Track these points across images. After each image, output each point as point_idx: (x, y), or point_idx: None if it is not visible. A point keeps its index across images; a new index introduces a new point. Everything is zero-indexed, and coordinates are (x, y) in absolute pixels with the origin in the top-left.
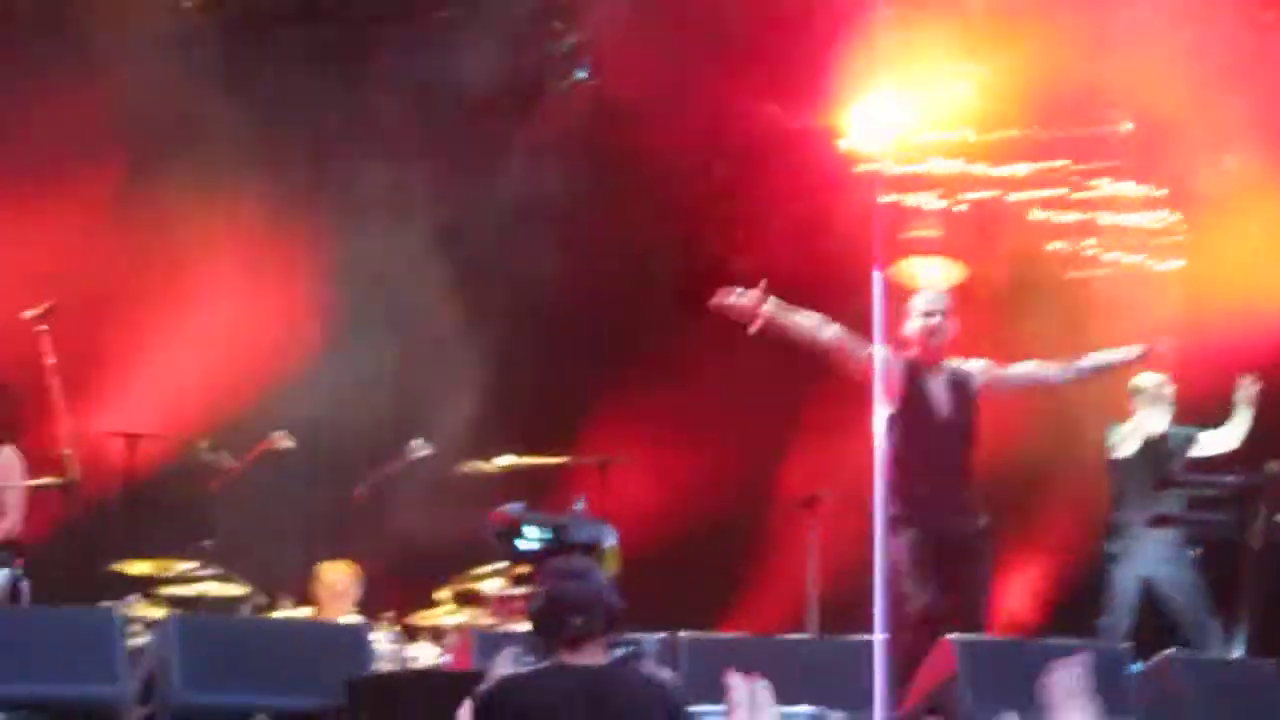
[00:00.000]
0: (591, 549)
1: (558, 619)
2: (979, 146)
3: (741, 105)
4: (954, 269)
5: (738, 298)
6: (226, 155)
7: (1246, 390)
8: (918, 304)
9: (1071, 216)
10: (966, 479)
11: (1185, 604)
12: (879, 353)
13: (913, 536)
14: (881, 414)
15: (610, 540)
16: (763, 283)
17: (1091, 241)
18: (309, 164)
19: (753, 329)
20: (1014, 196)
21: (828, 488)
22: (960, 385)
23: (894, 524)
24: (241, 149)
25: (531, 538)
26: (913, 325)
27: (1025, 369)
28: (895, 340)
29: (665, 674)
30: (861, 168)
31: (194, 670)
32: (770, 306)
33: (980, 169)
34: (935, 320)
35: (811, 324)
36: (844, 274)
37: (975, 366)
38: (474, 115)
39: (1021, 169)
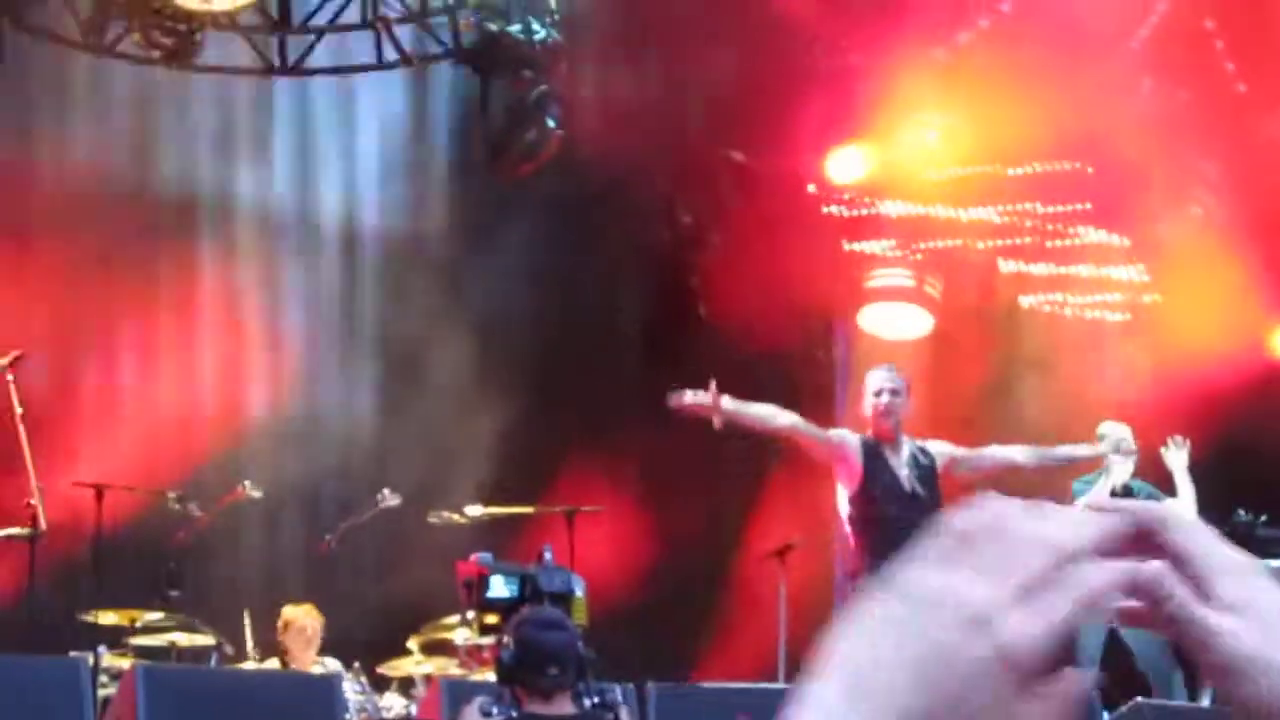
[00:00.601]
0: (561, 598)
1: (534, 669)
2: (945, 193)
3: (707, 151)
4: (922, 316)
5: (694, 398)
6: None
7: (1176, 454)
8: (869, 382)
9: (1040, 267)
10: None
11: (1150, 652)
12: (835, 436)
13: None
14: (842, 496)
15: (579, 590)
16: (712, 383)
17: (1058, 296)
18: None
19: (716, 425)
20: (980, 244)
21: (800, 537)
22: (921, 462)
23: (860, 586)
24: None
25: (500, 587)
26: (866, 404)
27: (990, 452)
28: (856, 419)
29: None
30: (829, 211)
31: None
32: (727, 404)
33: (946, 215)
34: (884, 400)
35: (767, 414)
36: (811, 321)
37: (936, 447)
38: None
39: (987, 215)
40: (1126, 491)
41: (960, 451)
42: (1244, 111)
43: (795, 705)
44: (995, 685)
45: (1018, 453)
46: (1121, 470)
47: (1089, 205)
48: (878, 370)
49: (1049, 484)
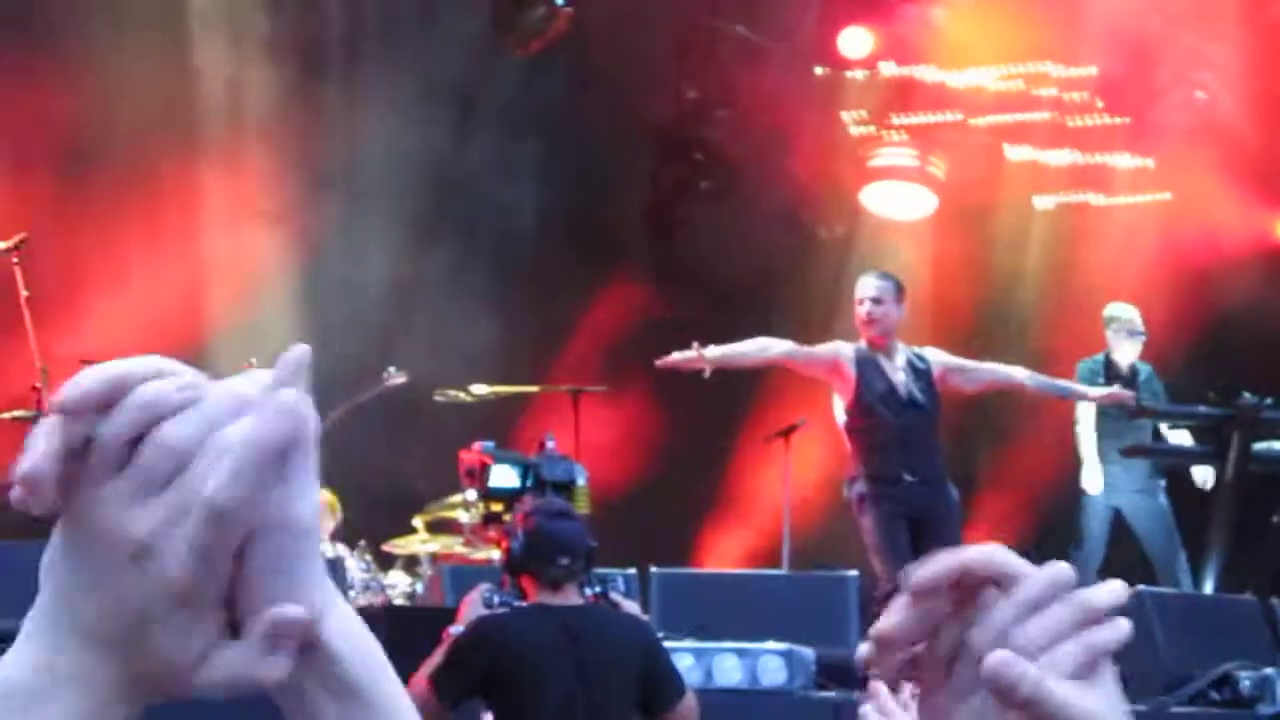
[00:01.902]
0: (563, 488)
1: (545, 559)
2: (951, 76)
3: (713, 27)
4: (926, 196)
5: (679, 356)
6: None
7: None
8: (856, 291)
9: (1046, 155)
10: (932, 454)
11: (1155, 535)
12: (828, 351)
13: (881, 513)
14: (839, 406)
15: (581, 479)
16: (694, 344)
17: (1062, 180)
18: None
19: (706, 374)
20: (980, 120)
21: (805, 416)
22: (917, 367)
23: (862, 502)
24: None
25: (503, 476)
26: (857, 313)
27: (989, 367)
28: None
29: (633, 609)
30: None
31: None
32: (712, 353)
33: (952, 86)
34: (864, 309)
35: (756, 349)
36: (816, 197)
37: (934, 354)
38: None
39: (993, 92)
40: (1132, 373)
41: (957, 361)
42: None
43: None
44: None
45: (1019, 373)
46: (1129, 350)
47: (1092, 94)
48: (863, 278)
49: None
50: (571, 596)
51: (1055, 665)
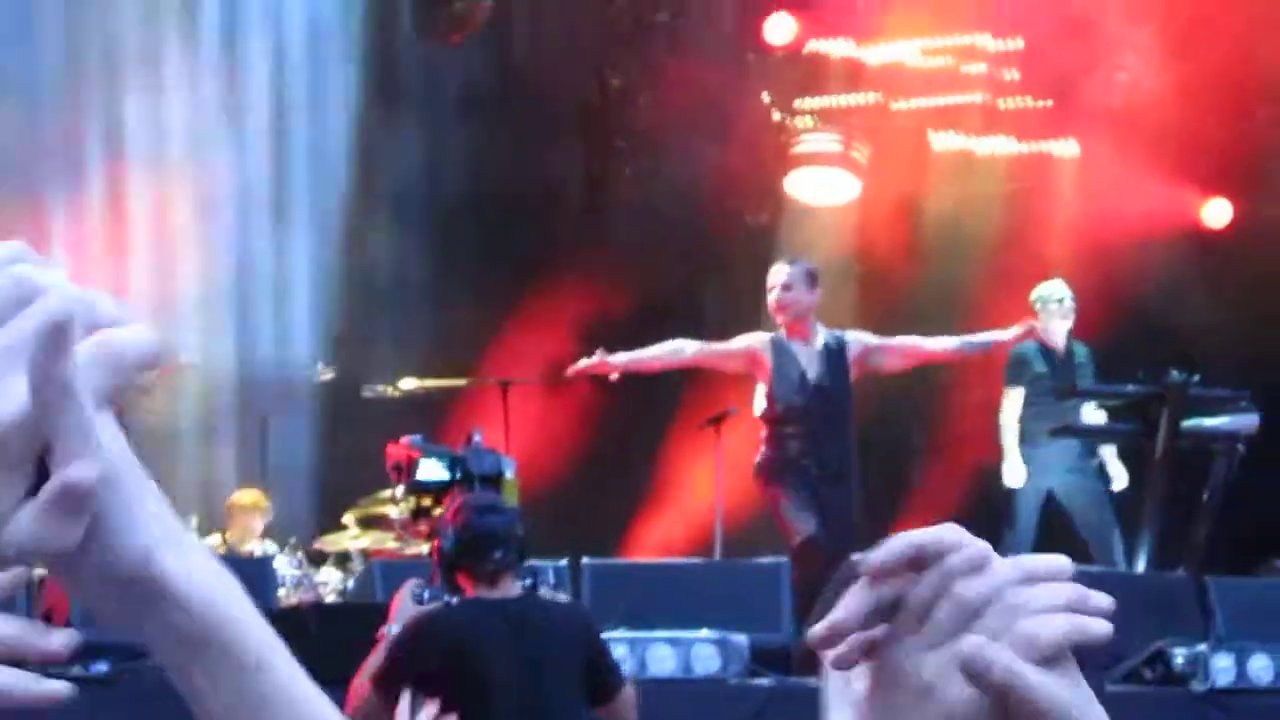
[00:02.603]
0: (491, 481)
1: (478, 554)
2: (871, 52)
3: (637, 13)
4: (849, 181)
5: (585, 363)
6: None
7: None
8: (768, 278)
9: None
10: (840, 444)
11: (1089, 515)
12: (742, 344)
13: (785, 485)
14: (759, 394)
15: (509, 471)
16: (600, 350)
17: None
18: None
19: (614, 379)
20: (902, 105)
21: (735, 404)
22: (832, 352)
23: (768, 469)
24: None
25: (430, 470)
26: (768, 299)
27: (911, 340)
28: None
29: (564, 599)
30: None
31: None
32: (619, 358)
33: (874, 74)
34: (773, 296)
35: (668, 352)
36: (739, 184)
37: (853, 335)
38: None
39: (917, 76)
40: (1069, 353)
41: (876, 340)
42: None
43: None
44: None
45: (935, 342)
46: (1060, 328)
47: (1015, 73)
48: (775, 265)
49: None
50: (510, 588)
51: (1031, 643)
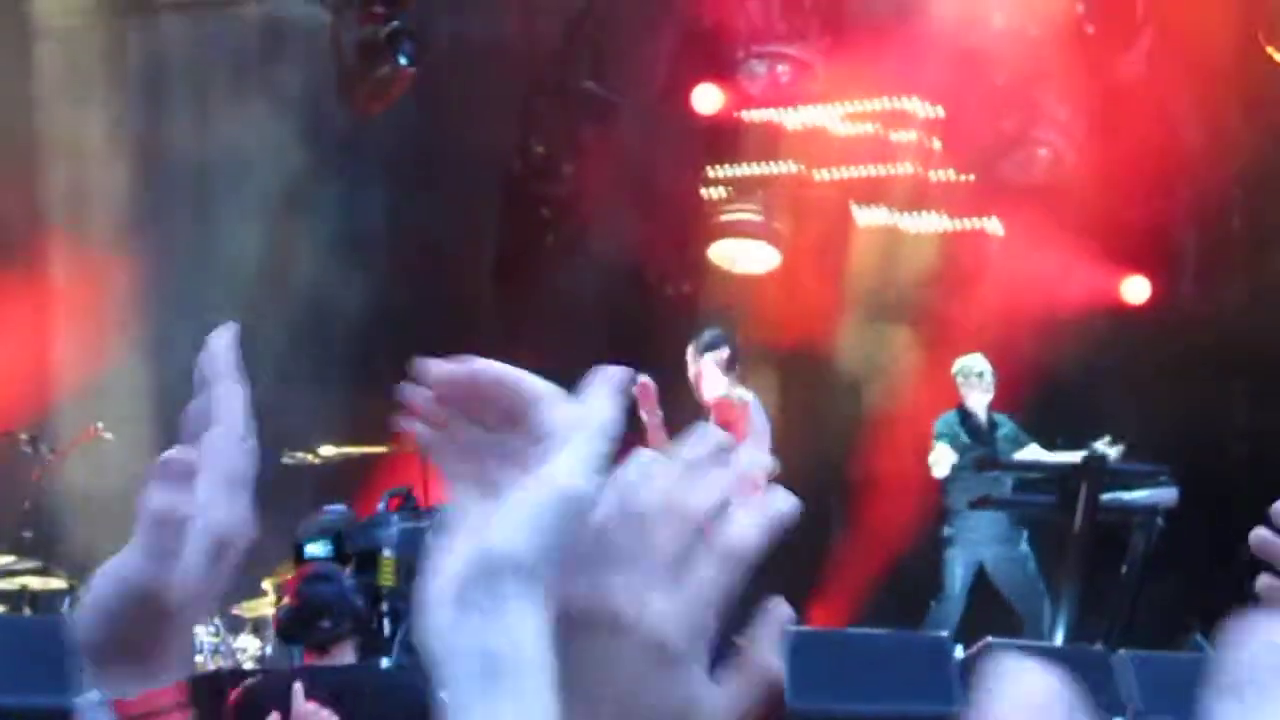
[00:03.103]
0: (368, 556)
1: (307, 623)
2: (794, 126)
3: (561, 83)
4: (769, 252)
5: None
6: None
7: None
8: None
9: (886, 214)
10: None
11: (1018, 586)
12: None
13: None
14: None
15: (387, 550)
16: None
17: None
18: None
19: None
20: (826, 175)
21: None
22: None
23: None
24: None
25: (315, 549)
26: None
27: None
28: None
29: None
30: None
31: (5, 673)
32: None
33: (792, 141)
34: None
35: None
36: (664, 253)
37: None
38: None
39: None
40: (991, 424)
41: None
42: (1093, 53)
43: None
44: (656, 687)
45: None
46: (980, 399)
47: (938, 144)
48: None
49: None
50: (343, 657)
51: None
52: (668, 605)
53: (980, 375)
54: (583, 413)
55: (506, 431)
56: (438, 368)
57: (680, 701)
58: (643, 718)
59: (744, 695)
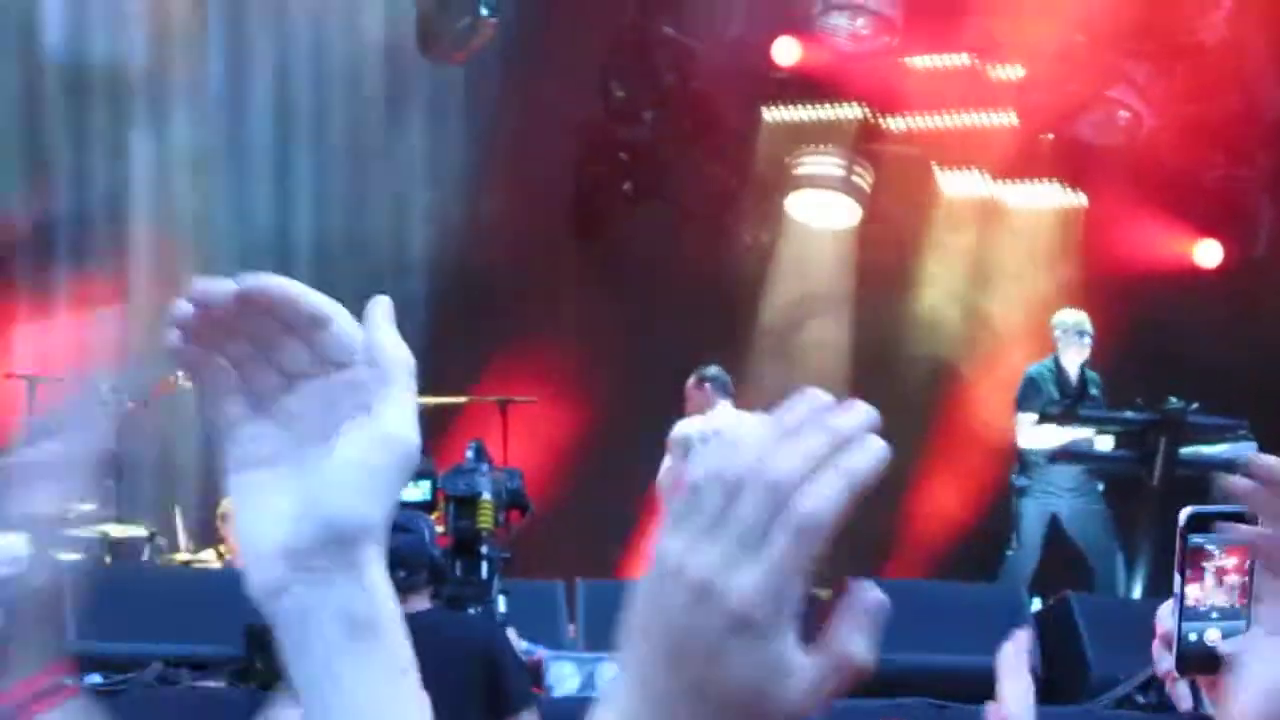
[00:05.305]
0: (467, 502)
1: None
2: (878, 86)
3: (644, 27)
4: (850, 206)
5: None
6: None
7: None
8: None
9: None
10: None
11: (1092, 538)
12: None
13: None
14: None
15: (487, 493)
16: None
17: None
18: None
19: None
20: (900, 129)
21: None
22: None
23: None
24: None
25: (410, 491)
26: None
27: None
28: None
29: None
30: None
31: (87, 618)
32: None
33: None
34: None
35: None
36: (739, 203)
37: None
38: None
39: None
40: (1082, 380)
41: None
42: (1174, 15)
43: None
44: (738, 658)
45: None
46: (1076, 354)
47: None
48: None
49: None
50: (418, 604)
51: (814, 494)
52: (753, 576)
53: (1080, 334)
54: (399, 349)
55: (282, 346)
56: (221, 286)
57: (762, 672)
58: (722, 686)
59: (828, 677)
